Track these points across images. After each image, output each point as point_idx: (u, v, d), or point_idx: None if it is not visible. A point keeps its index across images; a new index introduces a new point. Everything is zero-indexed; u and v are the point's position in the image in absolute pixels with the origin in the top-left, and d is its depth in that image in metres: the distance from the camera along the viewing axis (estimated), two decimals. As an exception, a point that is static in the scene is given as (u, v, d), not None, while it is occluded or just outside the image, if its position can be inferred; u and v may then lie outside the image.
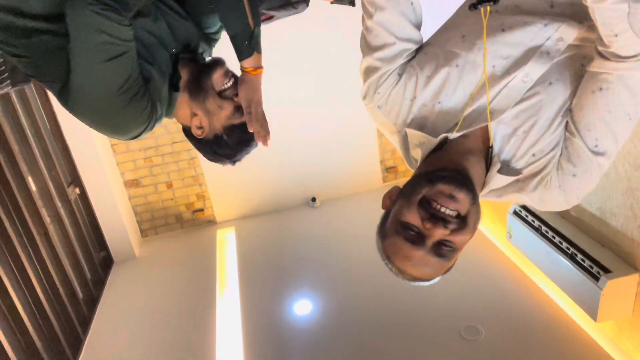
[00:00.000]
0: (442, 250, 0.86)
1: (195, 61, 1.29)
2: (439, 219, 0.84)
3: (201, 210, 4.34)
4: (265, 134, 1.24)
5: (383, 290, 3.16)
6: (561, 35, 0.90)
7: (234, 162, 1.33)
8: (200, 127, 1.25)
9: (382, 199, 0.96)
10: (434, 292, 3.15)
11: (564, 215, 2.80)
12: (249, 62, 1.21)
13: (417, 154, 0.97)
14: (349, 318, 3.06)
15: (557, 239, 2.65)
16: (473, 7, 0.85)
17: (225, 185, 4.27)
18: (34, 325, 2.56)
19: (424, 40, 1.00)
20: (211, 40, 1.40)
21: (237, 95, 1.24)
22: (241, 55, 1.20)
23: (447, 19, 1.03)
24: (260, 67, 1.23)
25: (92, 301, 3.47)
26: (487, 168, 0.93)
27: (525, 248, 2.94)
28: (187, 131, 1.31)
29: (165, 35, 1.20)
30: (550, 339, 2.72)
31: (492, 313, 2.94)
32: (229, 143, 1.26)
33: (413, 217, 0.86)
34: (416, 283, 0.92)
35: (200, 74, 1.24)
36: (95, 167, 3.60)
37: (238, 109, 1.24)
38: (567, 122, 0.92)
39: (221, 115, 1.23)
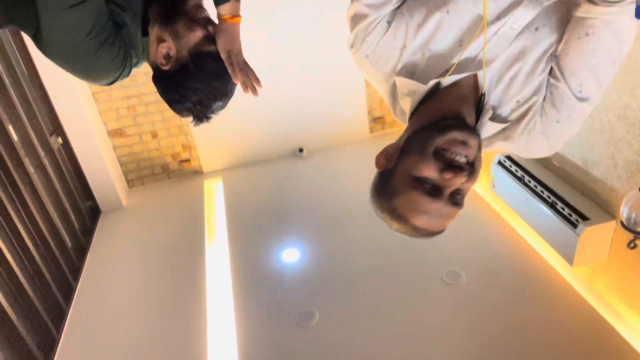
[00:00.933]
0: (457, 198, 0.87)
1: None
2: (457, 167, 0.83)
3: (187, 160, 4.32)
4: (254, 83, 1.19)
5: (368, 237, 3.24)
6: None
7: (202, 114, 1.21)
8: (167, 56, 1.15)
9: (375, 159, 0.95)
10: (418, 239, 3.23)
11: (546, 165, 2.85)
12: (226, 9, 1.14)
13: (406, 103, 0.96)
14: (336, 265, 3.14)
15: (539, 188, 2.71)
16: None
17: (212, 136, 4.23)
18: (25, 274, 2.58)
19: None
20: None
21: (212, 28, 1.16)
22: (218, 0, 1.13)
23: None
24: (239, 15, 1.16)
25: (82, 250, 3.50)
26: (477, 117, 0.93)
27: (508, 197, 3.02)
28: (155, 75, 1.21)
29: None
30: (528, 283, 2.84)
31: (474, 259, 3.05)
32: (196, 74, 1.15)
33: (430, 170, 0.85)
34: (430, 237, 0.92)
35: (173, 3, 1.16)
36: (77, 116, 3.52)
37: (211, 39, 1.15)
38: (551, 67, 0.92)
39: (190, 39, 1.14)
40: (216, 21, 1.18)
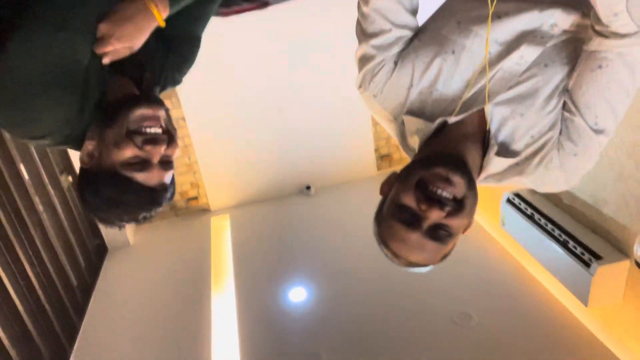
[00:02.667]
0: (439, 233, 0.86)
1: (137, 78, 1.06)
2: (435, 201, 0.84)
3: (195, 198, 4.33)
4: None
5: (377, 277, 3.18)
6: (555, 21, 0.90)
7: (95, 215, 1.03)
8: (90, 155, 0.99)
9: (380, 186, 0.96)
10: (428, 279, 3.18)
11: (556, 202, 2.82)
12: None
13: (415, 141, 0.97)
14: (344, 305, 3.08)
15: (549, 226, 2.67)
16: None
17: (220, 174, 4.26)
18: (29, 313, 2.55)
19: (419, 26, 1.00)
20: (168, 41, 1.15)
21: (151, 142, 0.95)
22: None
23: (441, 5, 1.03)
24: (160, 13, 0.98)
25: (87, 289, 3.47)
26: (485, 152, 0.94)
27: (518, 235, 2.97)
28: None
29: None
30: (541, 324, 2.76)
31: (485, 299, 2.97)
32: (107, 192, 0.97)
33: (409, 199, 0.86)
34: (411, 269, 0.92)
35: (124, 101, 0.98)
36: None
37: (141, 164, 0.95)
38: (564, 101, 0.92)
39: (113, 155, 0.95)
40: None
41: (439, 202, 0.84)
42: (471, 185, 0.87)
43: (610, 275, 2.38)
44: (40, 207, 2.95)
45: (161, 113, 1.00)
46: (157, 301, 3.35)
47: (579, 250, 2.47)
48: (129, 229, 4.04)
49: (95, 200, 0.99)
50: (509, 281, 3.11)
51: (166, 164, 1.00)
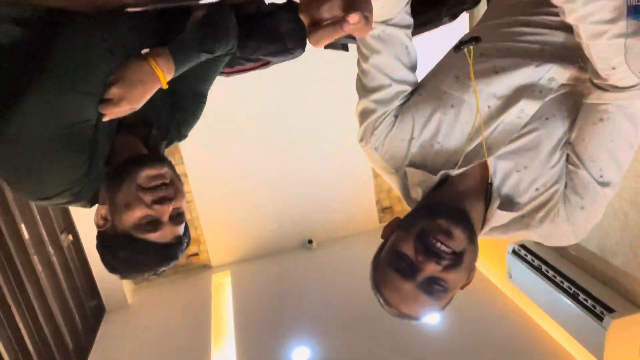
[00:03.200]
0: (433, 288, 0.85)
1: (144, 139, 1.08)
2: (433, 253, 0.83)
3: (196, 254, 4.28)
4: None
5: (383, 334, 3.08)
6: (553, 75, 0.92)
7: (116, 274, 1.05)
8: (104, 218, 1.02)
9: (382, 229, 0.96)
10: (435, 334, 3.07)
11: (563, 254, 2.78)
12: (163, 59, 0.99)
13: (417, 193, 0.97)
14: (349, 365, 2.96)
15: (558, 278, 2.62)
16: (457, 49, 0.88)
17: (221, 229, 4.23)
18: (21, 379, 2.45)
19: (419, 81, 1.02)
20: (180, 105, 1.18)
21: (159, 202, 0.97)
22: (170, 45, 0.99)
23: (440, 60, 1.05)
24: (165, 77, 1.00)
25: (83, 351, 3.35)
26: (487, 205, 0.93)
27: (526, 288, 2.90)
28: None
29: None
30: (556, 382, 2.64)
31: (495, 354, 2.86)
32: (118, 254, 1.00)
33: (408, 248, 0.86)
34: (403, 319, 0.90)
35: (130, 163, 1.00)
36: (89, 213, 3.55)
37: (153, 224, 0.98)
38: (567, 154, 0.92)
39: (124, 219, 0.98)
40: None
41: (437, 256, 0.83)
42: (472, 239, 0.86)
43: (625, 329, 2.30)
44: (39, 267, 2.91)
45: (165, 171, 1.01)
46: (155, 364, 3.22)
47: (590, 303, 2.40)
48: (128, 289, 3.96)
49: (114, 262, 1.02)
50: (519, 335, 3.01)
51: (177, 217, 1.02)
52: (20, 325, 2.52)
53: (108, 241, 1.02)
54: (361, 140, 1.02)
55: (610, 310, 2.32)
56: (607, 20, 0.75)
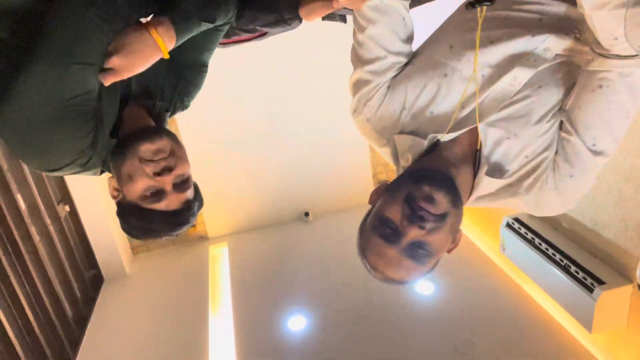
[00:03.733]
0: (417, 252, 0.86)
1: (148, 108, 1.10)
2: (416, 217, 0.84)
3: (193, 226, 4.30)
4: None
5: (378, 304, 3.14)
6: (548, 45, 0.91)
7: (133, 237, 1.11)
8: (117, 189, 1.06)
9: (370, 195, 0.96)
10: (429, 305, 3.14)
11: (556, 227, 2.81)
12: (163, 28, 0.96)
13: (407, 160, 0.97)
14: (343, 333, 3.03)
15: (550, 251, 2.66)
16: (471, 5, 0.86)
17: (218, 201, 4.24)
18: (22, 344, 2.50)
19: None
20: (182, 72, 1.18)
21: (159, 174, 1.00)
22: (169, 13, 0.97)
23: (435, 31, 1.04)
24: (166, 46, 0.99)
25: (82, 320, 3.41)
26: (476, 173, 0.94)
27: (518, 260, 2.95)
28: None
29: None
30: (545, 350, 2.71)
31: (488, 325, 2.93)
32: (131, 223, 1.05)
33: (394, 213, 0.86)
34: (389, 284, 0.91)
35: (133, 135, 1.03)
36: (85, 183, 3.56)
37: (157, 195, 1.01)
38: (561, 122, 0.92)
39: (130, 190, 1.01)
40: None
41: (420, 219, 0.83)
42: (455, 203, 0.86)
43: (614, 300, 2.35)
44: (36, 237, 2.92)
45: (164, 143, 1.03)
46: (153, 332, 3.29)
47: (580, 275, 2.45)
48: (126, 259, 4.00)
49: (130, 229, 1.07)
50: (511, 306, 3.07)
51: (181, 184, 1.04)
52: (20, 295, 2.55)
53: (122, 211, 1.06)
54: (354, 111, 1.02)
55: (600, 282, 2.36)
56: None
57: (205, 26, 1.06)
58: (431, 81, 0.94)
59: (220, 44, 1.25)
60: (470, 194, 0.95)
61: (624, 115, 0.88)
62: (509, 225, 2.98)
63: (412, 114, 0.97)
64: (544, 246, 2.70)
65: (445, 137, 0.93)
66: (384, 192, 0.93)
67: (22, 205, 2.86)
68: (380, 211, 0.89)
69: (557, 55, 0.92)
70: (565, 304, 2.58)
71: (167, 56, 1.00)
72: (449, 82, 0.93)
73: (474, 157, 0.94)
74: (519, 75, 0.91)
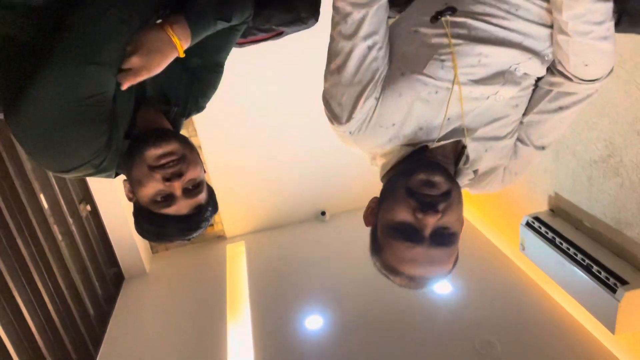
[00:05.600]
0: (443, 237, 0.85)
1: (164, 111, 1.11)
2: (427, 205, 0.83)
3: (211, 225, 4.34)
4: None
5: (396, 304, 3.12)
6: (526, 70, 0.93)
7: (148, 239, 1.13)
8: (131, 192, 1.07)
9: (363, 218, 0.96)
10: (448, 305, 3.11)
11: (578, 226, 2.76)
12: (179, 27, 0.98)
13: (381, 160, 1.03)
14: (361, 332, 3.02)
15: (571, 251, 2.61)
16: (434, 19, 0.86)
17: (235, 200, 4.27)
18: (46, 342, 2.55)
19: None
20: (195, 75, 1.18)
21: (169, 179, 0.99)
22: (184, 12, 0.98)
23: (408, 36, 0.96)
24: (182, 45, 1.00)
25: (104, 318, 3.47)
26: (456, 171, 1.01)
27: (539, 260, 2.90)
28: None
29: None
30: (567, 352, 2.66)
31: (508, 326, 2.89)
32: (144, 226, 1.07)
33: (404, 213, 0.85)
34: (431, 284, 0.89)
35: (142, 137, 1.03)
36: (106, 184, 3.62)
37: (167, 200, 1.01)
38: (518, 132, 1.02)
39: (141, 195, 1.02)
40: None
41: (432, 206, 0.83)
42: (451, 177, 0.89)
43: (638, 301, 2.30)
44: (59, 236, 2.98)
45: (172, 147, 1.02)
46: (173, 329, 3.33)
47: (603, 274, 2.40)
48: (146, 258, 4.05)
49: (143, 233, 1.08)
50: (531, 307, 3.03)
51: (192, 190, 1.03)
52: (43, 292, 2.61)
53: (136, 213, 1.07)
54: (334, 122, 1.08)
55: (623, 282, 2.31)
56: (596, 22, 0.81)
57: (221, 25, 1.06)
58: (420, 98, 0.92)
59: (237, 43, 1.26)
60: None
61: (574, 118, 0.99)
62: (528, 224, 2.93)
63: (402, 129, 0.96)
64: (565, 245, 2.65)
65: (434, 145, 0.95)
66: (380, 204, 0.93)
67: (45, 205, 2.92)
68: (388, 220, 0.87)
69: (536, 78, 0.97)
70: (588, 305, 2.53)
71: (182, 55, 1.01)
72: (438, 98, 0.92)
73: (455, 155, 0.99)
74: (503, 92, 0.92)
